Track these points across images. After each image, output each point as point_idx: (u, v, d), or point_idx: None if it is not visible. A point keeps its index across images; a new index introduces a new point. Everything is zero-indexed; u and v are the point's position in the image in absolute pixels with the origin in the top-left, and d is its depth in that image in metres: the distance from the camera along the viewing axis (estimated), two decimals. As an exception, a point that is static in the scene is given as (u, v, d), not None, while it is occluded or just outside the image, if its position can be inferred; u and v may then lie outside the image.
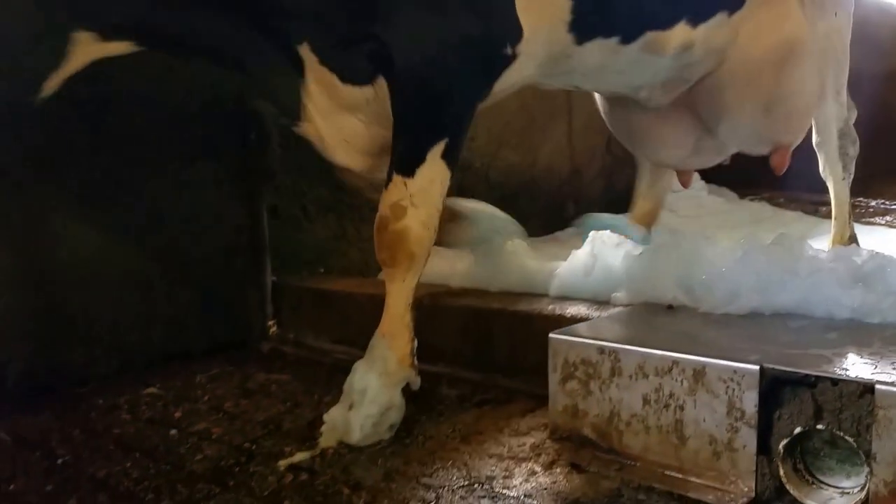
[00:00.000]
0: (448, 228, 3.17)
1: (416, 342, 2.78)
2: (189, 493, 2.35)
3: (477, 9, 2.64)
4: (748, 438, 2.17)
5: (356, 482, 2.37)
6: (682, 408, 2.28)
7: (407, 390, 2.76)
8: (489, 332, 3.22)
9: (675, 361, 2.29)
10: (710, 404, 2.23)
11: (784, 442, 2.12)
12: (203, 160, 3.65)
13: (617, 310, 2.97)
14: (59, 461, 2.63)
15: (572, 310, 3.08)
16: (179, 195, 3.58)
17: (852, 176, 3.96)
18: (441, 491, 2.29)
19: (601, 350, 2.45)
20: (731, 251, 2.89)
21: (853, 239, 3.98)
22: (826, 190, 4.17)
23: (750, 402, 2.16)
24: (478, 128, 4.94)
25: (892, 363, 2.13)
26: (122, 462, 2.59)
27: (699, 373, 2.25)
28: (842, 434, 2.05)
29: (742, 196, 6.02)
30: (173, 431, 2.84)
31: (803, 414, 2.10)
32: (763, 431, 2.15)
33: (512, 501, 2.21)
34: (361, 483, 2.37)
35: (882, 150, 7.63)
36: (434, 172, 2.68)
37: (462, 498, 2.24)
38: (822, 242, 3.74)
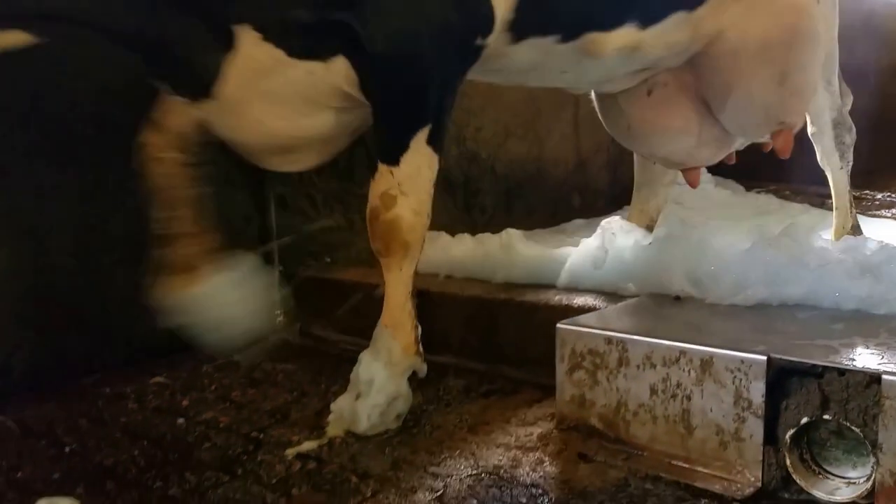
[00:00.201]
0: None
1: (419, 329, 2.78)
2: (197, 481, 2.36)
3: None
4: (755, 428, 2.17)
5: (364, 471, 2.38)
6: (689, 398, 2.29)
7: (414, 379, 2.76)
8: (496, 322, 3.22)
9: (683, 352, 2.30)
10: (717, 394, 2.23)
11: (791, 432, 2.12)
12: (210, 148, 3.64)
13: (624, 300, 2.97)
14: (66, 449, 2.64)
15: (579, 300, 3.08)
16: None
17: (851, 164, 3.93)
18: (449, 480, 2.30)
19: (609, 340, 2.46)
20: (739, 242, 2.90)
21: (857, 229, 3.97)
22: (831, 181, 4.14)
23: (757, 392, 2.16)
24: (484, 119, 4.94)
25: (899, 354, 2.14)
26: (130, 450, 2.60)
27: (706, 363, 2.25)
28: (848, 424, 2.05)
29: (748, 188, 5.99)
30: (180, 420, 2.85)
31: (810, 404, 2.10)
32: (770, 421, 2.16)
33: (519, 490, 2.22)
34: (369, 472, 2.38)
35: (889, 143, 7.62)
36: (420, 159, 2.65)
37: (469, 487, 2.25)
38: (828, 234, 3.73)
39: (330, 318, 3.77)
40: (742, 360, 2.19)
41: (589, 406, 2.51)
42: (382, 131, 2.70)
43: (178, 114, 2.78)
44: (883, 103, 7.78)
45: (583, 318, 2.70)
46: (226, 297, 2.83)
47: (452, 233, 4.04)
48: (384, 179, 2.65)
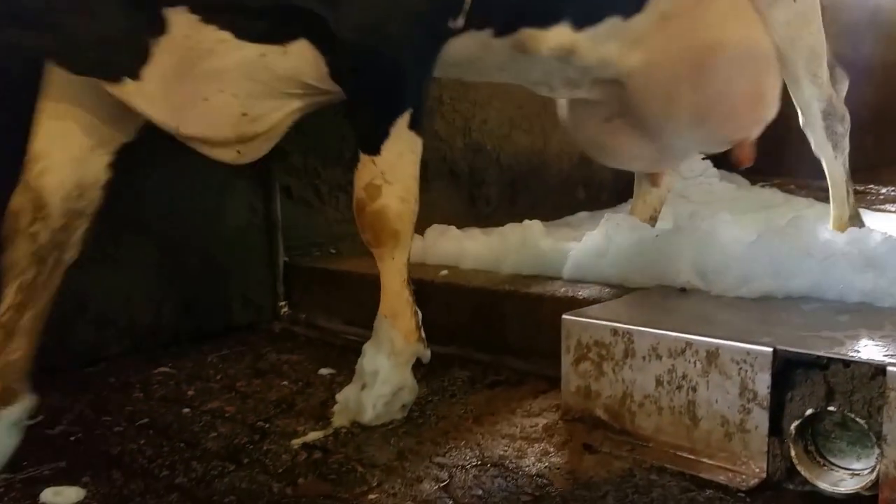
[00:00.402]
0: None
1: (419, 315, 2.76)
2: (204, 471, 2.37)
3: None
4: (760, 420, 2.18)
5: (369, 461, 2.39)
6: (694, 389, 2.29)
7: (419, 370, 2.77)
8: (501, 313, 3.23)
9: (689, 343, 2.30)
10: (722, 386, 2.24)
11: (796, 423, 2.13)
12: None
13: (630, 292, 2.98)
14: (72, 438, 2.65)
15: (585, 292, 3.08)
16: (193, 173, 3.59)
17: (846, 152, 3.90)
18: (454, 470, 2.31)
19: (615, 331, 2.46)
20: (745, 235, 2.90)
21: (856, 220, 3.96)
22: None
23: (762, 383, 2.17)
24: (490, 111, 4.95)
25: (904, 346, 2.14)
26: (136, 439, 2.61)
27: (712, 354, 2.25)
28: (853, 416, 2.05)
29: (753, 182, 6.01)
30: (186, 410, 2.85)
31: (815, 396, 2.10)
32: (775, 413, 2.16)
33: (525, 481, 2.22)
34: (375, 461, 2.38)
35: (894, 138, 7.63)
36: (402, 145, 2.62)
37: (475, 477, 2.26)
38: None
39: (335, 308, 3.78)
40: (748, 352, 2.19)
41: (594, 397, 2.52)
42: (361, 120, 2.68)
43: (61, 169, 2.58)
44: (888, 98, 7.80)
45: (589, 309, 2.70)
46: None
47: (457, 223, 4.06)
48: (367, 169, 2.62)
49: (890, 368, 1.98)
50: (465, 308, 3.34)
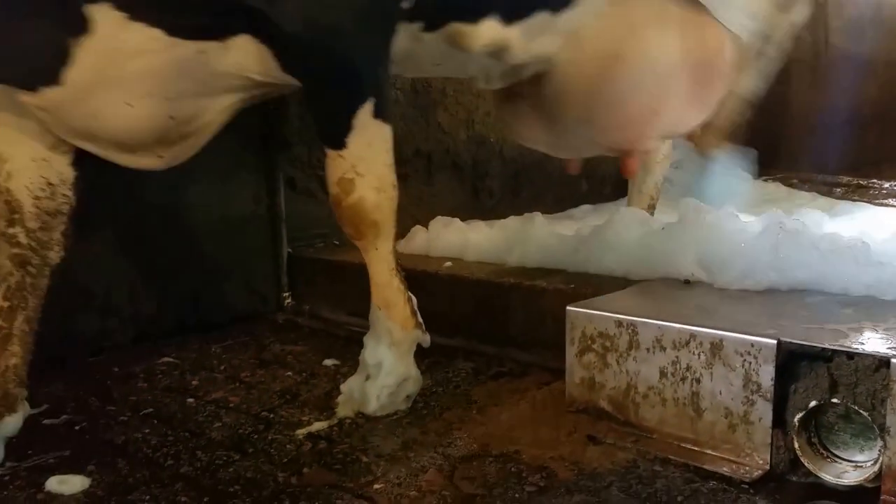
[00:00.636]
0: None
1: (414, 300, 2.74)
2: (209, 460, 2.38)
3: None
4: (764, 411, 2.18)
5: (374, 451, 2.40)
6: (698, 380, 2.30)
7: (423, 362, 2.77)
8: (505, 305, 3.23)
9: (693, 334, 2.31)
10: (726, 377, 2.24)
11: (799, 415, 2.13)
12: (221, 130, 3.65)
13: (635, 284, 2.98)
14: (77, 427, 2.65)
15: (588, 284, 3.08)
16: (197, 164, 3.58)
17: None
18: (458, 461, 2.31)
19: (619, 323, 2.46)
20: (749, 227, 2.90)
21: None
22: (839, 172, 4.13)
23: (766, 375, 2.17)
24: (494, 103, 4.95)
25: (908, 338, 2.14)
26: (140, 429, 2.61)
27: (716, 346, 2.26)
28: (856, 408, 2.06)
29: (756, 177, 6.02)
30: (190, 400, 2.86)
31: (819, 388, 2.11)
32: (778, 405, 2.17)
33: (529, 472, 2.23)
34: (379, 451, 2.39)
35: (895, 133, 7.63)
36: (369, 136, 2.55)
37: (479, 468, 2.26)
38: (837, 222, 3.73)
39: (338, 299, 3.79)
40: (752, 344, 2.20)
41: (598, 388, 2.52)
42: (322, 116, 2.63)
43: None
44: (891, 94, 7.81)
45: (593, 300, 2.70)
46: None
47: (460, 216, 4.07)
48: (336, 165, 2.57)
49: (894, 361, 1.98)
50: (469, 300, 3.35)
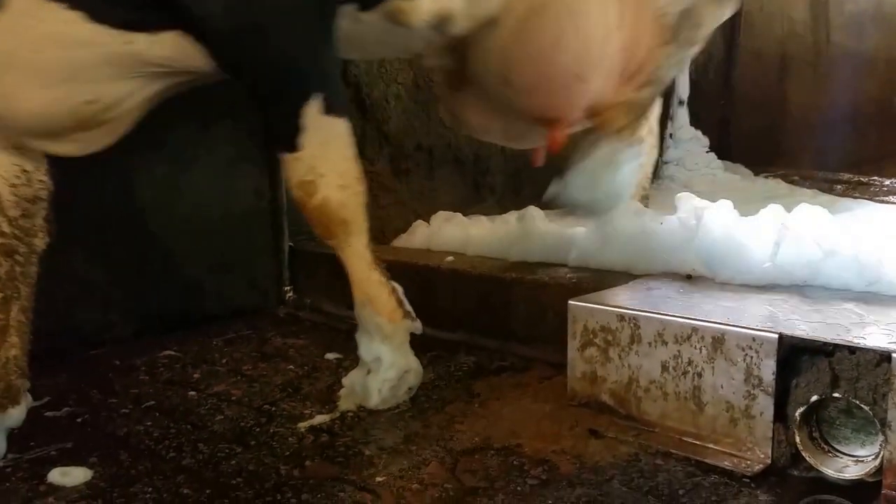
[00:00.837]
0: None
1: (399, 289, 2.71)
2: (211, 452, 2.38)
3: None
4: (765, 406, 2.19)
5: (376, 444, 2.41)
6: (700, 375, 2.31)
7: (425, 356, 2.77)
8: (507, 300, 3.23)
9: (695, 329, 2.31)
10: (728, 371, 2.25)
11: (800, 410, 2.14)
12: (223, 123, 3.66)
13: (636, 278, 2.98)
14: (79, 420, 2.66)
15: (590, 278, 3.08)
16: (199, 158, 3.60)
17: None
18: (461, 453, 2.32)
19: (621, 317, 2.47)
20: (751, 223, 2.90)
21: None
22: (840, 168, 4.11)
23: (768, 369, 2.18)
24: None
25: (909, 333, 2.15)
26: (142, 421, 2.62)
27: (718, 340, 2.27)
28: (858, 402, 2.06)
29: (757, 173, 6.02)
30: (192, 393, 2.87)
31: (820, 382, 2.11)
32: (780, 399, 2.17)
33: (531, 465, 2.23)
34: (382, 444, 2.40)
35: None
36: (323, 133, 2.46)
37: (481, 461, 2.27)
38: (838, 219, 3.73)
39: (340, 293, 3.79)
40: (753, 338, 2.20)
41: (600, 382, 2.53)
42: (270, 119, 2.55)
43: None
44: (892, 91, 7.81)
45: (595, 295, 2.70)
46: None
47: (461, 211, 4.07)
48: (293, 168, 2.49)
49: (895, 355, 1.99)
50: (471, 294, 3.35)
